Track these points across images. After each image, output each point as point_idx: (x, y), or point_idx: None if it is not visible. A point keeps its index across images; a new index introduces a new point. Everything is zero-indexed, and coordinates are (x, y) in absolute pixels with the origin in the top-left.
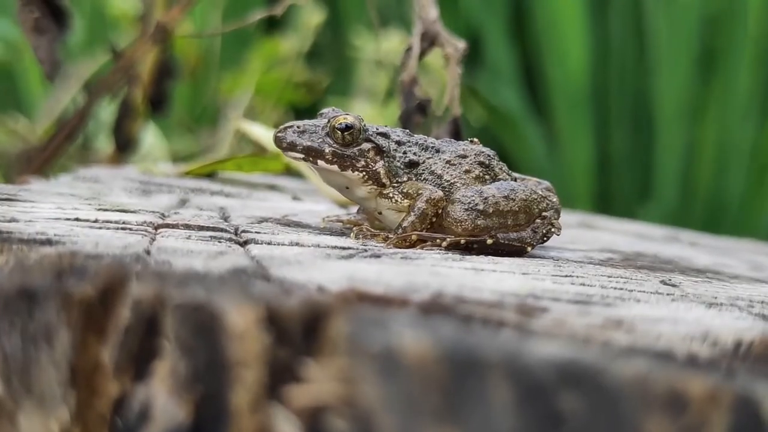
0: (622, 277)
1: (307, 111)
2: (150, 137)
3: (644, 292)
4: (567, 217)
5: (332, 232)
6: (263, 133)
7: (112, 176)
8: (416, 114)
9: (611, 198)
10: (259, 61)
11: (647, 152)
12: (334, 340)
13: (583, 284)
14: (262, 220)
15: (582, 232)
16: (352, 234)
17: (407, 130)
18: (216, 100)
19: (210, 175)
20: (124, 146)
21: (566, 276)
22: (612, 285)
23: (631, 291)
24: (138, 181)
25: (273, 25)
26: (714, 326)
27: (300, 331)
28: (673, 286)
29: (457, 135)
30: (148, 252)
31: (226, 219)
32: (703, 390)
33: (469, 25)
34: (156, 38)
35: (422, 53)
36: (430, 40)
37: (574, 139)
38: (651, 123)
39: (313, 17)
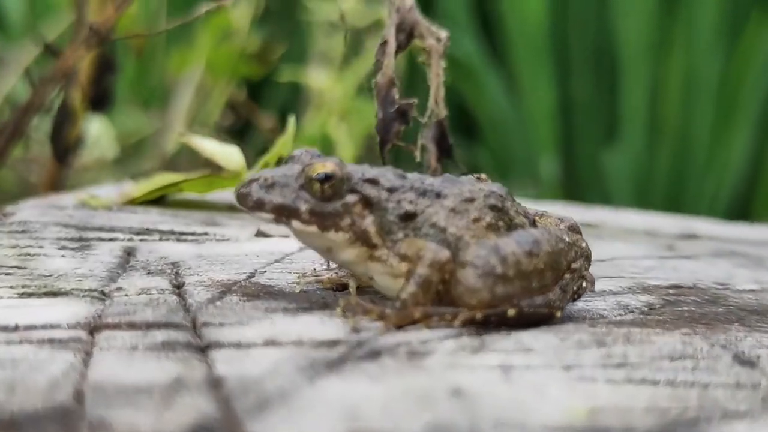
0: (685, 357)
1: (262, 84)
2: (95, 128)
3: (723, 385)
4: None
5: (311, 304)
6: (216, 149)
7: (43, 216)
8: (396, 122)
9: (575, 142)
10: (208, 35)
11: (611, 93)
12: None
13: (645, 379)
14: (225, 289)
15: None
16: (339, 309)
17: (400, 171)
18: (165, 79)
19: (159, 200)
20: (64, 156)
21: (618, 365)
22: (680, 377)
23: (707, 387)
24: (74, 225)
25: None
26: None
27: None
28: (751, 365)
29: (443, 139)
30: (79, 397)
31: (179, 287)
32: None
33: None
34: (90, 43)
35: (399, 48)
36: (407, 32)
37: (535, 85)
38: (614, 63)
39: None
